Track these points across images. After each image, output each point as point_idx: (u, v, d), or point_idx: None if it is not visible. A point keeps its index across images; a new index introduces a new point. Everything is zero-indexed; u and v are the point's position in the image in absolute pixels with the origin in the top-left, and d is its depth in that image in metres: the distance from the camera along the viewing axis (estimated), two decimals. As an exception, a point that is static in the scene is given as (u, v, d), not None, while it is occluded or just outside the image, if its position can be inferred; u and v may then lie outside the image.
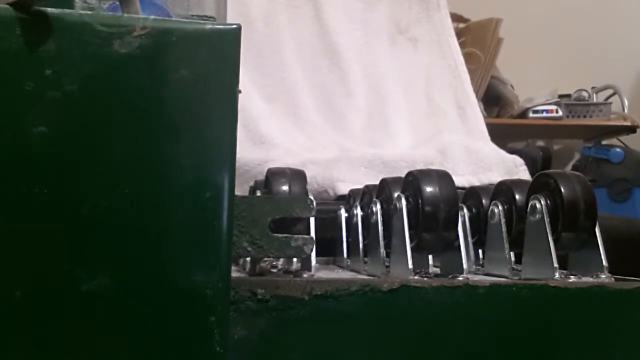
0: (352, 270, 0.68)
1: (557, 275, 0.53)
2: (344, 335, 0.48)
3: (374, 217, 0.63)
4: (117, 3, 0.43)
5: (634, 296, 0.51)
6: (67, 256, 0.40)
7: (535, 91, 2.30)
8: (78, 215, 0.40)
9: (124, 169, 0.41)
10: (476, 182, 1.03)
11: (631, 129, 2.26)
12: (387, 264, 0.60)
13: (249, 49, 1.18)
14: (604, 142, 2.36)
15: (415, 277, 0.54)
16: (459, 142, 1.13)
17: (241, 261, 0.62)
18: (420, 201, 0.56)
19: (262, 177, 0.64)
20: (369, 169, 1.01)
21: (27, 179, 0.40)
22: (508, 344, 0.50)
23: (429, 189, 0.56)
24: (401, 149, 1.14)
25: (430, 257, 0.58)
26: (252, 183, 0.72)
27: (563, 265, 0.57)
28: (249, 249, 0.48)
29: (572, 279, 0.54)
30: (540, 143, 2.51)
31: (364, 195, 0.71)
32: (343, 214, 0.72)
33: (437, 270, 0.60)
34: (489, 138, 1.26)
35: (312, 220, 0.57)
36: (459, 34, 1.65)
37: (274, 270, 0.58)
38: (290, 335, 0.47)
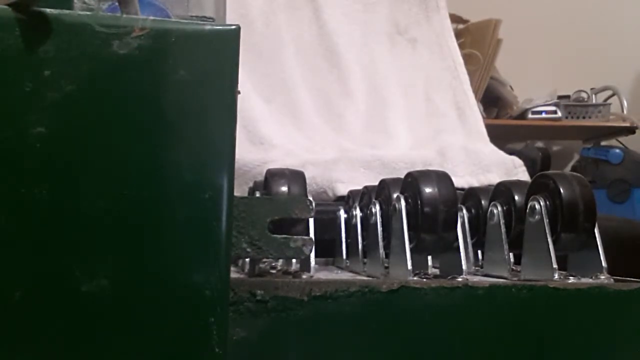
0: (351, 271, 0.68)
1: (556, 276, 0.53)
2: (343, 336, 0.48)
3: (373, 218, 0.63)
4: (116, 4, 0.43)
5: (633, 297, 0.51)
6: (66, 256, 0.40)
7: (535, 92, 2.30)
8: (77, 215, 0.40)
9: (122, 169, 0.41)
10: (475, 183, 1.03)
11: (630, 130, 2.26)
12: (386, 264, 0.60)
13: (248, 50, 1.18)
14: (603, 143, 2.36)
15: (415, 278, 0.54)
16: (458, 143, 1.13)
17: (240, 262, 0.62)
18: (419, 202, 0.56)
19: (261, 177, 0.64)
20: (368, 170, 1.01)
21: (26, 179, 0.40)
22: (507, 345, 0.50)
23: (428, 190, 0.56)
24: (400, 150, 1.14)
25: (429, 258, 0.58)
26: (251, 184, 0.72)
27: (562, 266, 0.57)
28: (248, 249, 0.48)
29: (572, 279, 0.54)
30: (540, 144, 2.51)
31: (363, 196, 0.71)
32: (342, 214, 0.71)
33: (437, 271, 0.60)
34: (488, 139, 1.26)
35: (311, 221, 0.57)
36: (458, 35, 1.65)
37: (273, 271, 0.58)
38: (289, 337, 0.47)
